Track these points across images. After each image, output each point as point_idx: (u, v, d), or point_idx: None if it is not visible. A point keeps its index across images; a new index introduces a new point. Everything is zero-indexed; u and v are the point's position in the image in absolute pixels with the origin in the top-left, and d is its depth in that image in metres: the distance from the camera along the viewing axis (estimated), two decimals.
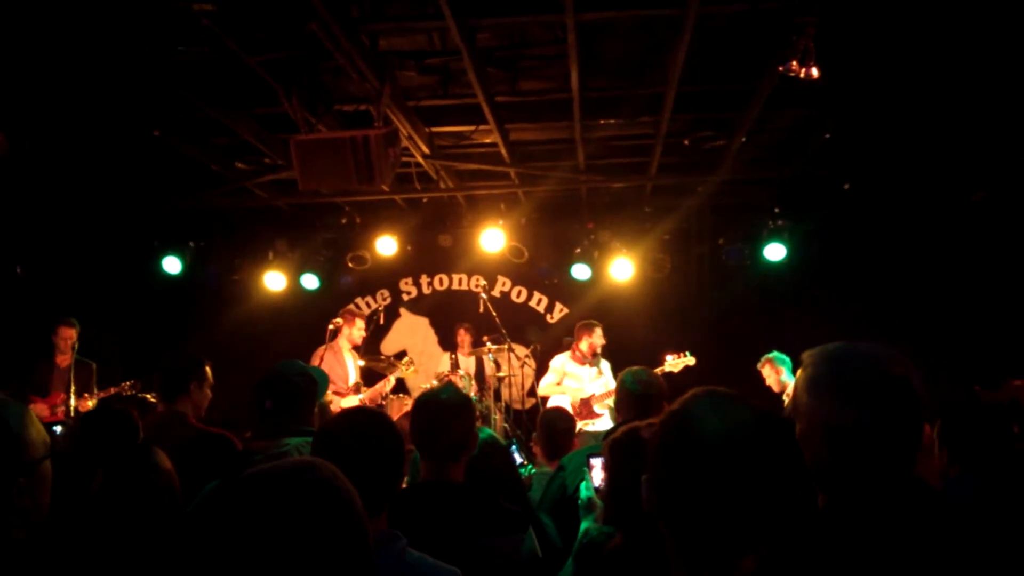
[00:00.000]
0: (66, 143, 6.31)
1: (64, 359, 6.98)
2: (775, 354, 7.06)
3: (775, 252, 8.57)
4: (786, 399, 6.90)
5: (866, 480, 1.58)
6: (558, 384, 7.46)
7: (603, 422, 7.23)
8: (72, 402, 6.72)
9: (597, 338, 7.41)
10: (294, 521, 1.26)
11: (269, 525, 1.26)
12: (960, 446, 3.13)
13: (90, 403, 6.84)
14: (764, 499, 1.41)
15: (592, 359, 7.42)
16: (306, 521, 1.27)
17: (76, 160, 6.72)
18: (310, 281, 9.34)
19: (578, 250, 9.06)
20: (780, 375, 6.97)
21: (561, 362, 7.53)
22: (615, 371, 7.21)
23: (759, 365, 7.16)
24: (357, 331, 7.45)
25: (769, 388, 7.12)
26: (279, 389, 3.17)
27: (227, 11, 4.29)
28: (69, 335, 7.00)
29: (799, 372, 1.71)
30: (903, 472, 1.59)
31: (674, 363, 7.35)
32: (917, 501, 1.57)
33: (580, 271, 9.10)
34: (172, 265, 8.99)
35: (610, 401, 7.28)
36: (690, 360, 7.35)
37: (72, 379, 6.86)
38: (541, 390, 7.68)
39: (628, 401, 3.96)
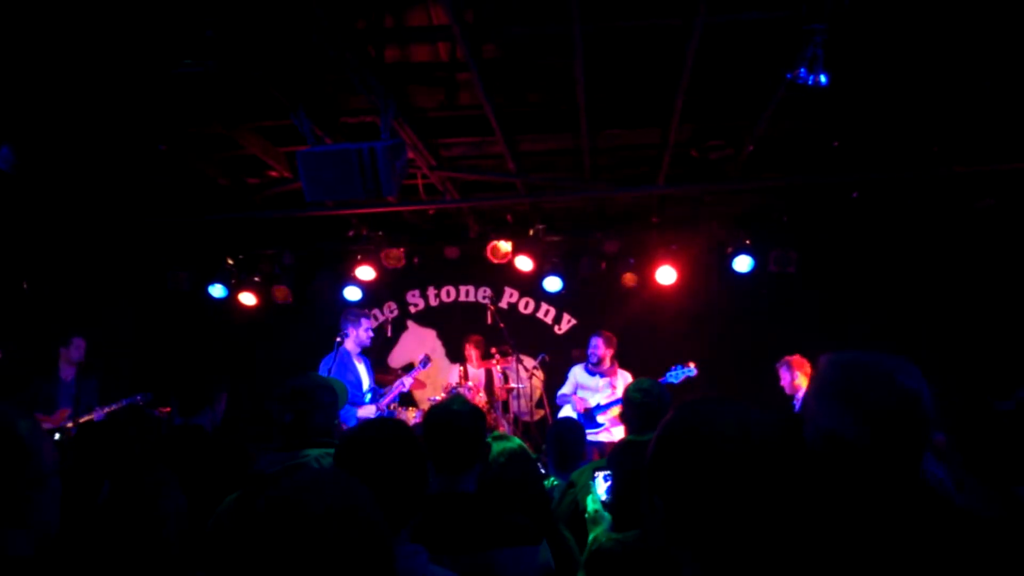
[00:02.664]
0: (72, 158, 6.33)
1: (69, 372, 7.01)
2: (795, 356, 7.08)
3: (783, 261, 8.55)
4: (796, 403, 6.93)
5: (865, 489, 1.59)
6: (571, 394, 7.56)
7: (613, 435, 7.26)
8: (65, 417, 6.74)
9: (593, 348, 7.49)
10: (314, 543, 1.23)
11: (288, 548, 1.22)
12: (976, 456, 3.09)
13: (103, 414, 6.89)
14: (786, 500, 1.37)
15: (597, 367, 7.46)
16: (327, 542, 1.23)
17: (82, 175, 6.74)
18: (317, 294, 9.34)
19: (585, 260, 9.04)
20: (795, 378, 6.99)
21: (573, 372, 7.71)
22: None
23: (778, 364, 7.17)
24: (363, 332, 7.21)
25: (780, 391, 7.13)
26: (298, 401, 3.16)
27: (232, 24, 4.30)
28: (82, 346, 7.06)
29: (811, 373, 1.71)
30: (904, 483, 1.59)
31: (675, 374, 7.38)
32: (920, 510, 1.56)
33: (587, 282, 9.07)
34: (179, 279, 9.01)
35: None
36: (691, 372, 7.37)
37: (78, 393, 6.91)
38: (558, 399, 7.82)
39: (631, 412, 3.95)
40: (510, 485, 2.95)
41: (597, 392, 7.46)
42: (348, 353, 7.18)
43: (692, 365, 7.38)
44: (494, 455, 3.05)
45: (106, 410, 6.91)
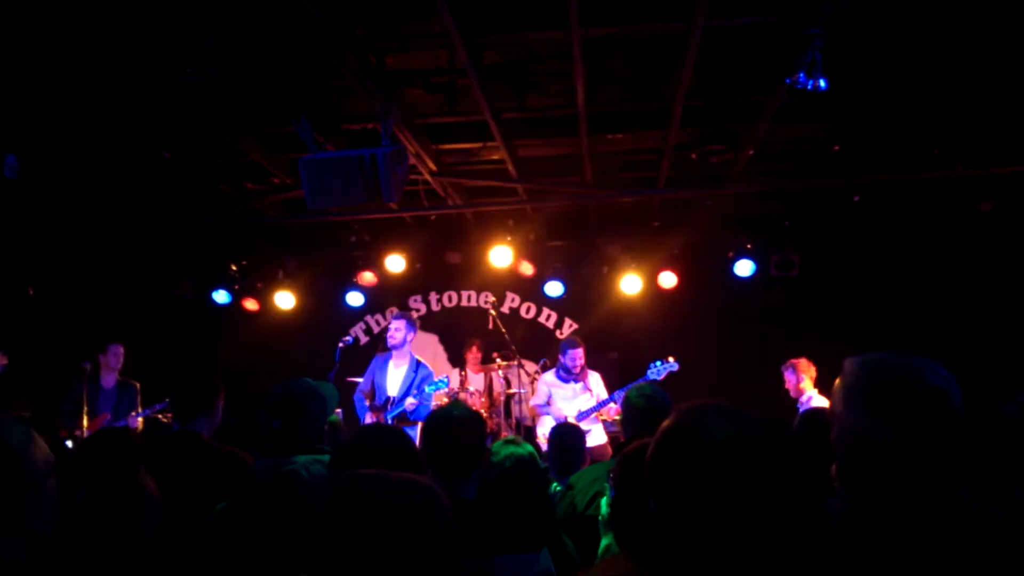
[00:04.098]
0: (77, 165, 6.35)
1: (110, 379, 7.06)
2: (801, 360, 7.05)
3: (784, 265, 8.54)
4: (800, 407, 6.90)
5: (892, 493, 1.56)
6: (546, 403, 7.44)
7: (592, 438, 7.19)
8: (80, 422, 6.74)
9: (573, 359, 7.36)
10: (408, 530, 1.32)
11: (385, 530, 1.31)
12: (979, 460, 3.08)
13: (139, 421, 6.92)
14: (780, 507, 1.37)
15: (571, 374, 7.38)
16: (420, 532, 1.33)
17: (87, 183, 6.77)
18: (319, 299, 9.35)
19: (587, 265, 9.04)
20: (800, 381, 6.97)
21: (543, 380, 7.56)
22: (624, 384, 7.18)
23: (783, 367, 7.13)
24: (387, 333, 7.13)
25: (784, 395, 7.11)
26: (286, 408, 3.15)
27: (234, 33, 4.32)
28: (121, 352, 7.09)
29: (838, 379, 1.68)
30: (932, 487, 1.56)
31: (657, 370, 7.23)
32: (944, 516, 1.54)
33: (589, 286, 9.07)
34: (184, 285, 9.03)
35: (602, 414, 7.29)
36: (673, 367, 7.20)
37: (119, 400, 6.95)
38: (530, 411, 7.66)
39: (634, 416, 3.95)
40: (514, 490, 2.94)
41: (575, 397, 7.36)
42: (387, 357, 7.08)
43: (672, 359, 7.26)
44: (501, 458, 3.04)
45: (144, 414, 6.93)
